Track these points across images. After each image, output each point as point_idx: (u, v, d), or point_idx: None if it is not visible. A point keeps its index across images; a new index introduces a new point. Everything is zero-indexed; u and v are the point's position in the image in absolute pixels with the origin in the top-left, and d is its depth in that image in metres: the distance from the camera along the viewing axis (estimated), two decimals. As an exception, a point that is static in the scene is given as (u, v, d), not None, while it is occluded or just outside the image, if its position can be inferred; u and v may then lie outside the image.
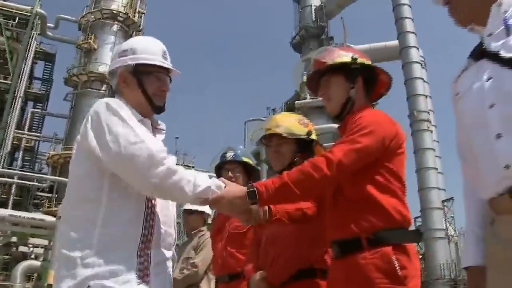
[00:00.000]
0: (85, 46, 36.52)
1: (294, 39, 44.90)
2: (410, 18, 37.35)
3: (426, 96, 36.37)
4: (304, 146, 2.70)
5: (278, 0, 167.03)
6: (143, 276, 1.73)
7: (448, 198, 36.39)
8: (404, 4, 37.65)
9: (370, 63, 2.29)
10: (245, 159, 3.46)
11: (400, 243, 1.94)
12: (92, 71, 35.72)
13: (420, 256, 35.60)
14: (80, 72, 36.07)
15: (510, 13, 1.44)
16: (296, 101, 39.62)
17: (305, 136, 2.70)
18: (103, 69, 35.70)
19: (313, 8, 44.42)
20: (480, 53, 1.48)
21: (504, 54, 1.36)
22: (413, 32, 36.97)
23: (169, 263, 1.95)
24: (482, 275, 1.46)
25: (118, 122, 1.77)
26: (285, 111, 41.67)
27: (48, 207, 32.33)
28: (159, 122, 2.09)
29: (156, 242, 1.83)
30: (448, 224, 34.55)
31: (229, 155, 3.45)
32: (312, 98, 38.90)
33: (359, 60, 2.24)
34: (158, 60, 1.98)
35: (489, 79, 1.39)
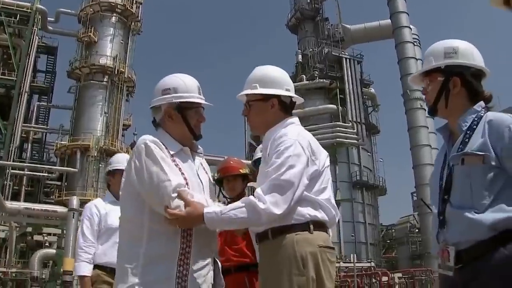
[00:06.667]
0: (86, 39, 37.16)
1: (290, 21, 44.81)
2: (402, -3, 37.17)
3: (419, 75, 36.79)
4: None
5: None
6: (181, 282, 2.09)
7: (442, 173, 37.39)
8: (396, -17, 37.68)
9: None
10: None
11: None
12: (93, 64, 36.49)
13: (417, 230, 36.96)
14: (82, 65, 36.77)
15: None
16: (294, 83, 39.78)
17: None
18: (103, 61, 36.65)
19: (308, -11, 44.35)
20: None
21: None
22: (405, 12, 36.70)
23: (207, 268, 2.23)
24: None
25: (152, 163, 2.15)
26: (283, 94, 42.20)
27: (59, 197, 33.12)
28: (198, 146, 2.48)
29: (194, 253, 2.15)
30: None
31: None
32: (309, 80, 39.52)
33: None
34: (196, 97, 2.36)
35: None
